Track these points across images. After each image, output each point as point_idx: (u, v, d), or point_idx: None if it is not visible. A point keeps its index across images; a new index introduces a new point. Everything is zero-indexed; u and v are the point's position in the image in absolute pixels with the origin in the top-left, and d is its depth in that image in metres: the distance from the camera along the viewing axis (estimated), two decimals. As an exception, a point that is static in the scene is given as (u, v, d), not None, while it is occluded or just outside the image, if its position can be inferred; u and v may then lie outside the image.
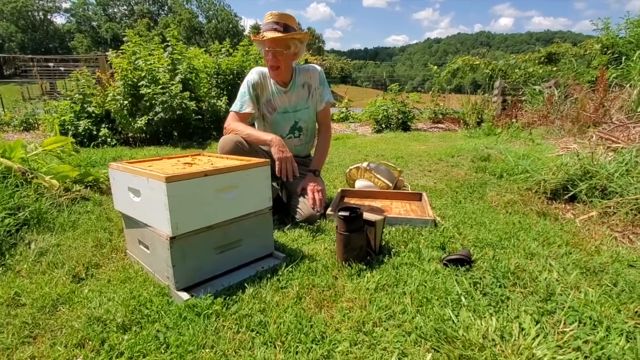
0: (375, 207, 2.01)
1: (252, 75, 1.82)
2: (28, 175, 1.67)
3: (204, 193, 1.10)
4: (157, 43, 5.46)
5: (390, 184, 2.19)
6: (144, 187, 1.12)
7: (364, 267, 1.26)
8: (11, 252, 1.29)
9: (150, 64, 5.13)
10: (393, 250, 1.40)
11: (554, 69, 7.53)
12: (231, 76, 6.18)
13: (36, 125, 7.15)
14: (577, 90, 5.03)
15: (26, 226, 1.47)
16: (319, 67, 1.91)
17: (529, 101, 6.04)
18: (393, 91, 7.07)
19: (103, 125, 5.24)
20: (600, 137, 2.94)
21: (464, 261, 1.27)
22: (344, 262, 1.29)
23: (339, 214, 1.27)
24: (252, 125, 1.94)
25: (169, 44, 5.37)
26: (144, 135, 5.26)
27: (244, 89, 1.81)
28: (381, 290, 1.12)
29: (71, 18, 60.86)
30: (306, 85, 1.88)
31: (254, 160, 1.31)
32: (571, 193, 1.94)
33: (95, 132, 5.13)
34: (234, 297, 1.06)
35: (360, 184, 2.25)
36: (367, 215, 1.40)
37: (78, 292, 1.09)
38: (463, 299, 1.05)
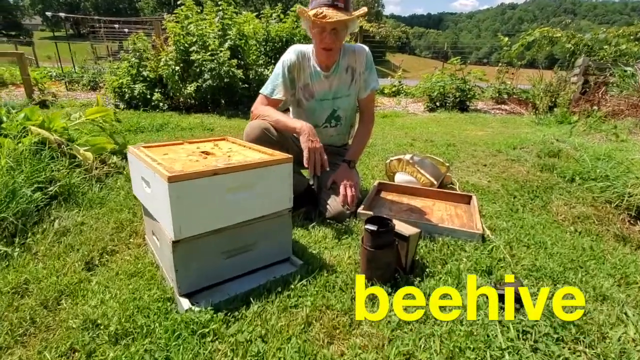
0: (413, 207, 1.80)
1: (289, 55, 1.60)
2: (64, 147, 1.70)
3: (213, 193, 0.98)
4: (209, 6, 5.38)
5: (435, 182, 1.94)
6: (152, 180, 1.03)
7: (389, 289, 1.09)
8: (34, 229, 1.31)
9: (202, 28, 5.09)
10: (427, 270, 1.21)
11: (655, 47, 6.31)
12: (280, 44, 5.97)
13: (102, 85, 7.59)
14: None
15: (56, 200, 1.49)
16: (366, 48, 1.66)
17: (617, 85, 5.14)
18: (454, 64, 6.41)
19: (156, 90, 5.38)
20: None
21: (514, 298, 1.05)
22: (366, 281, 1.13)
23: (366, 226, 1.10)
24: (287, 110, 1.78)
25: (221, 8, 5.27)
26: (193, 101, 5.33)
27: (278, 70, 1.60)
28: (405, 326, 0.95)
29: (139, -21, 63.19)
30: (350, 70, 1.64)
31: (276, 155, 1.16)
32: (665, 215, 1.57)
33: (149, 96, 5.30)
34: (237, 313, 0.96)
35: (400, 178, 2.03)
36: (399, 227, 1.21)
37: (85, 284, 1.06)
38: (507, 356, 0.85)
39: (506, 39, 8.22)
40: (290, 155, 1.16)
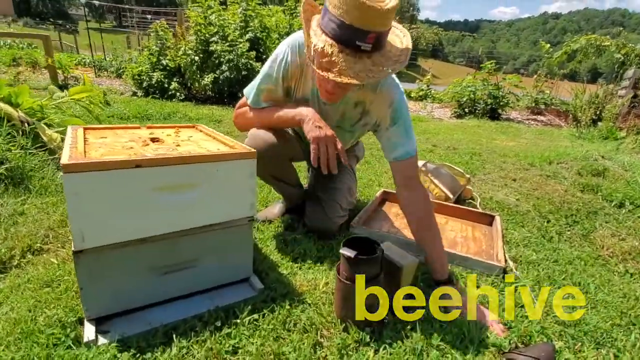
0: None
1: (290, 56, 1.06)
2: (26, 125, 1.53)
3: (136, 192, 0.74)
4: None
5: (451, 195, 1.63)
6: (70, 169, 0.80)
7: (368, 337, 0.81)
8: (-42, 218, 1.12)
9: (223, 19, 4.95)
10: (424, 314, 0.92)
11: None
12: (303, 38, 5.74)
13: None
14: None
15: (2, 184, 1.31)
16: (396, 92, 1.09)
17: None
18: (487, 69, 5.94)
19: (174, 79, 5.29)
20: None
21: (540, 370, 0.75)
22: (340, 321, 0.86)
23: (342, 250, 0.82)
24: None
25: (245, -1, 5.11)
26: (210, 93, 5.21)
27: (271, 70, 1.10)
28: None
29: (182, -29, 64.88)
30: (360, 106, 1.14)
31: (236, 148, 0.91)
32: None
33: (166, 85, 5.21)
34: (149, 354, 0.71)
35: (410, 187, 1.72)
36: (392, 253, 0.93)
37: (-17, 292, 0.85)
38: None
39: (547, 45, 7.65)
40: (254, 150, 0.90)
